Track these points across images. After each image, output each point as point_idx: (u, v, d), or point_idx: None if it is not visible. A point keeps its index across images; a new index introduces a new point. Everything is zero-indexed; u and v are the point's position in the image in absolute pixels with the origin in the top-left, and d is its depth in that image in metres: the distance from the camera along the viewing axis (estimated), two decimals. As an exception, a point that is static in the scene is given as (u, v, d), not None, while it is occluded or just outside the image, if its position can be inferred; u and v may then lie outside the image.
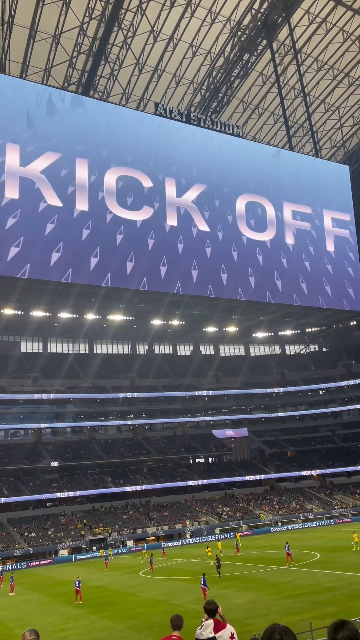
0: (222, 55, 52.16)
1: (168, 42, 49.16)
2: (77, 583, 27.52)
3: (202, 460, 78.37)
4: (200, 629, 7.11)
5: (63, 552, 53.96)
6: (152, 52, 49.49)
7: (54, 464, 65.09)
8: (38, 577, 41.32)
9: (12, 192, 40.00)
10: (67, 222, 42.32)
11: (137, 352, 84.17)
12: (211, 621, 7.07)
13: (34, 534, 56.41)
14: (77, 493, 63.71)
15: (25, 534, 56.15)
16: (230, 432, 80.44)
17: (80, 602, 26.54)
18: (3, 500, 58.82)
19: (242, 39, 50.48)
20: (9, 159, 40.23)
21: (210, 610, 7.12)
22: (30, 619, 23.88)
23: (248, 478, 72.44)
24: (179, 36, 48.82)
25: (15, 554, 52.22)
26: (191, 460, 77.27)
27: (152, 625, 19.99)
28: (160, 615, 21.52)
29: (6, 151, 40.21)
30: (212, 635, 6.90)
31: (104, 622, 21.73)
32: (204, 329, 77.01)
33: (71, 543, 55.29)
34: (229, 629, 7.03)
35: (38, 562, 50.91)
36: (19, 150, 40.77)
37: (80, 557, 52.79)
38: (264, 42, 51.74)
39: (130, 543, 57.00)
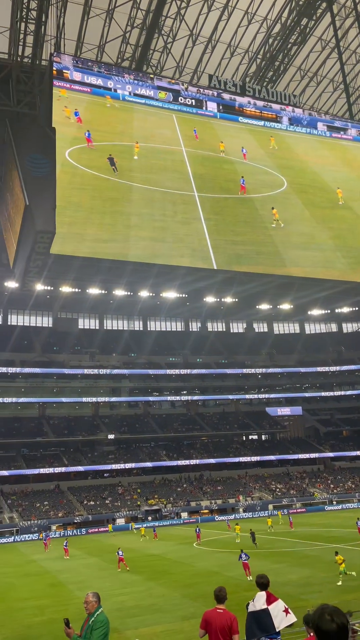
0: (279, 21, 50.12)
1: (222, 10, 47.76)
2: (119, 552, 28.65)
3: (256, 437, 78.54)
4: (253, 601, 7.26)
5: (120, 521, 56.15)
6: (206, 22, 48.29)
7: (111, 436, 67.38)
8: (97, 543, 43.29)
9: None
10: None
11: (190, 329, 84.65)
12: (264, 593, 7.20)
13: (93, 503, 58.97)
14: (133, 465, 65.84)
15: (85, 502, 58.79)
16: (284, 410, 79.89)
17: (127, 568, 27.46)
18: (64, 469, 61.78)
19: (300, 3, 48.21)
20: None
21: (262, 583, 7.26)
22: (89, 583, 25.15)
23: (302, 456, 72.02)
24: (234, 4, 47.28)
25: (76, 521, 54.92)
26: (244, 436, 77.61)
27: (206, 594, 20.53)
28: (214, 585, 21.92)
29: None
30: (264, 607, 7.04)
31: (159, 589, 22.56)
32: (257, 307, 76.06)
33: (128, 512, 57.42)
34: (281, 602, 7.15)
35: (97, 529, 53.24)
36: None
37: (137, 525, 54.66)
38: (323, 5, 49.19)
39: (184, 515, 58.42)
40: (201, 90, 49.05)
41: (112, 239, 40.16)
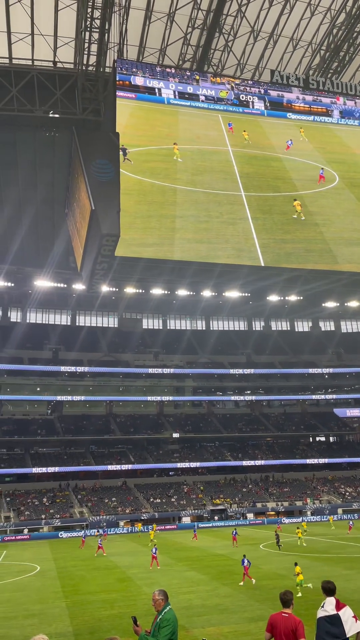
0: (344, 10, 48.45)
1: (284, 4, 46.86)
2: (153, 550, 29.64)
3: (323, 438, 76.45)
4: (323, 607, 7.11)
5: (186, 519, 56.58)
6: (267, 17, 47.57)
7: (175, 435, 68.06)
8: (163, 540, 43.87)
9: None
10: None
11: (253, 329, 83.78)
12: (333, 599, 7.05)
13: (159, 500, 59.83)
14: (198, 464, 66.16)
15: (151, 500, 59.77)
16: (353, 411, 77.17)
17: (158, 567, 28.00)
18: (130, 467, 63.16)
19: (366, -12, 46.32)
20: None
21: (330, 589, 7.10)
22: (157, 579, 25.54)
23: (372, 459, 69.30)
24: (296, -4, 46.21)
25: (142, 517, 55.95)
26: (311, 438, 75.79)
27: (273, 597, 20.27)
28: (282, 588, 21.67)
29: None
30: (335, 612, 6.89)
31: (225, 589, 22.52)
32: (323, 304, 73.99)
33: (193, 511, 57.75)
34: (349, 609, 6.98)
35: (163, 527, 53.96)
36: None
37: (202, 525, 54.92)
38: (391, -13, 46.95)
39: (250, 516, 57.94)
40: (247, 88, 48.51)
41: (157, 242, 40.47)
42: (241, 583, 23.21)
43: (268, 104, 48.54)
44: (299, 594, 19.92)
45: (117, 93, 41.64)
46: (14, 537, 50.00)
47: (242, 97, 47.82)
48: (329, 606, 6.98)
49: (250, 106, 48.01)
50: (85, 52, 41.48)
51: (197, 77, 47.20)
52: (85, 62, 42.59)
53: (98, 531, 49.09)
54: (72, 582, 26.36)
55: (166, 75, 45.85)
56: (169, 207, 41.87)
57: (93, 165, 39.12)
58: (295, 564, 22.34)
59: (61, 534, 51.06)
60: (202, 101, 46.32)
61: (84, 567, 31.26)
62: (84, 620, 18.53)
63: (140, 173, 42.05)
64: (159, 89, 45.02)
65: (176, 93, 45.61)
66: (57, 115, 44.41)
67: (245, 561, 23.76)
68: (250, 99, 48.10)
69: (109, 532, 51.70)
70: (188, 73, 47.15)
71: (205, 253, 42.17)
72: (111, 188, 38.71)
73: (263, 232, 42.51)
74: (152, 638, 6.10)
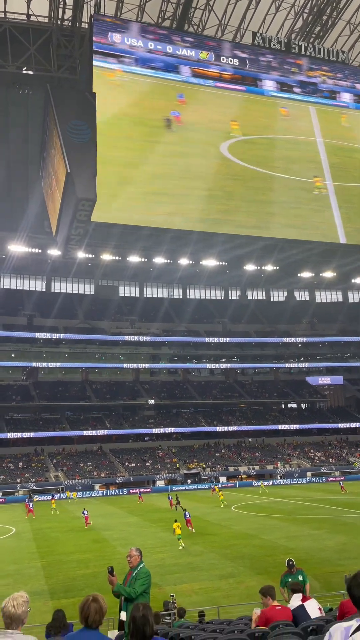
0: (328, -30, 47.15)
1: None
2: (84, 512, 32.98)
3: (295, 405, 78.42)
4: (289, 603, 7.44)
5: (160, 483, 57.89)
6: (250, -25, 46.00)
7: (151, 402, 68.88)
8: (137, 503, 44.89)
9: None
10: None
11: (230, 298, 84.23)
12: (299, 595, 7.40)
13: (134, 465, 60.92)
14: (172, 430, 67.33)
15: (126, 464, 60.81)
16: (324, 379, 79.19)
17: (193, 530, 27.95)
18: (106, 432, 63.92)
19: None
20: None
21: (297, 590, 7.48)
22: (131, 540, 26.25)
23: (342, 425, 71.61)
24: None
25: (117, 481, 57.02)
26: (283, 405, 77.65)
27: (244, 556, 21.14)
28: (251, 547, 22.65)
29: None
30: (300, 604, 7.20)
31: (197, 548, 23.34)
32: (299, 274, 74.71)
33: (167, 475, 59.09)
34: (314, 601, 7.34)
35: (137, 490, 55.08)
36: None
37: (176, 488, 56.29)
38: None
39: (222, 479, 59.60)
40: (337, 82, 50.95)
41: (256, 225, 45.61)
42: (193, 530, 27.34)
43: (355, 97, 52.11)
44: (180, 547, 23.16)
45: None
46: (26, 501, 50.15)
47: (331, 90, 51.14)
48: (295, 601, 7.31)
49: (338, 98, 51.54)
50: (61, 6, 39.61)
51: (294, 70, 49.64)
52: (60, 16, 40.72)
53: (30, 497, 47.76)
54: (47, 544, 26.89)
55: (268, 69, 48.69)
56: (266, 193, 46.21)
57: (69, 126, 37.94)
58: (175, 521, 25.63)
59: (36, 497, 51.70)
60: (297, 93, 49.82)
61: (59, 529, 31.87)
62: (58, 579, 19.02)
63: (248, 161, 45.87)
64: (260, 81, 48.40)
65: (277, 86, 49.17)
66: (30, 72, 42.63)
67: (187, 514, 28.27)
68: (337, 91, 51.61)
69: (84, 496, 52.80)
70: (286, 67, 49.54)
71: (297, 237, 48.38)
72: (87, 151, 37.73)
73: (347, 221, 47.52)
74: (129, 588, 6.31)
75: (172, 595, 13.40)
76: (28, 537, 29.26)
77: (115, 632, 8.50)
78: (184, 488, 56.68)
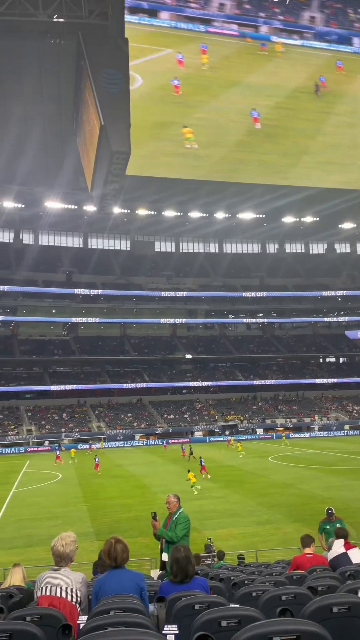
0: None
1: None
2: (96, 459, 35.54)
3: (333, 359, 77.79)
4: (332, 548, 7.54)
5: (198, 434, 59.43)
6: None
7: (188, 356, 69.79)
8: (176, 452, 46.36)
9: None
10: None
11: (267, 251, 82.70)
12: (342, 540, 7.50)
13: (173, 416, 62.57)
14: (209, 383, 68.33)
15: (165, 416, 62.51)
16: (364, 333, 77.76)
17: (209, 476, 29.80)
18: (145, 385, 65.53)
19: None
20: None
21: (342, 535, 7.53)
22: (170, 487, 27.25)
23: (381, 380, 70.82)
24: None
25: (157, 432, 58.88)
26: (321, 359, 77.13)
27: (281, 504, 21.73)
28: (288, 496, 23.22)
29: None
30: (343, 550, 7.32)
31: (235, 496, 24.10)
32: (339, 226, 72.25)
33: (205, 426, 60.52)
34: (357, 549, 7.40)
35: (176, 440, 56.83)
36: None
37: (214, 439, 57.80)
38: None
39: (259, 431, 60.60)
40: None
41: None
42: (209, 476, 29.44)
43: None
44: (196, 493, 24.89)
45: None
46: (36, 449, 53.19)
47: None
48: (338, 546, 7.42)
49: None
50: None
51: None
52: None
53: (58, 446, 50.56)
54: (91, 489, 28.32)
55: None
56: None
57: (101, 76, 36.98)
58: (188, 471, 27.48)
59: (80, 446, 54.19)
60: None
61: (102, 476, 33.41)
62: (103, 522, 20.14)
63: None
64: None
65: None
66: (61, 20, 41.33)
67: (202, 461, 31.06)
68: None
69: (125, 445, 55.00)
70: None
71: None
72: (121, 101, 36.85)
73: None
74: (170, 532, 6.63)
75: (209, 539, 14.03)
76: (74, 483, 30.87)
77: (157, 572, 9.04)
78: (221, 439, 58.01)
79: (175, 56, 42.84)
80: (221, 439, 58.14)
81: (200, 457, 32.43)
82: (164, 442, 52.79)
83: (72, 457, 44.17)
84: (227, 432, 60.03)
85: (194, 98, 42.24)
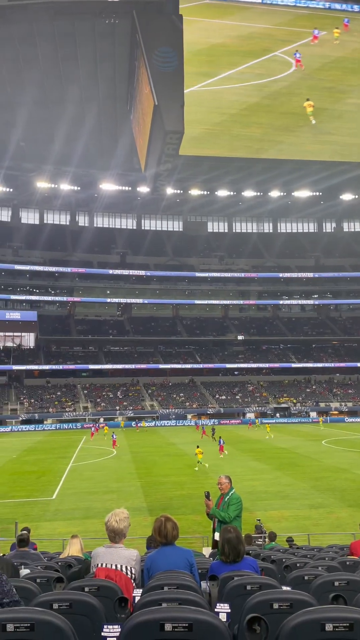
0: None
1: None
2: (113, 435, 37.06)
3: (392, 343, 74.95)
4: None
5: (250, 415, 59.36)
6: None
7: (240, 337, 69.45)
8: (228, 433, 46.59)
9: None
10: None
11: (324, 230, 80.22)
12: None
13: (224, 397, 62.76)
14: (262, 365, 67.82)
15: (217, 396, 62.79)
16: None
17: (225, 455, 31.76)
18: (197, 366, 65.97)
19: None
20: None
21: None
22: (223, 467, 27.54)
23: None
24: None
25: (209, 412, 59.32)
26: (379, 342, 74.54)
27: (334, 488, 21.45)
28: (342, 481, 22.87)
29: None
30: None
31: (288, 478, 24.00)
32: None
33: (257, 408, 60.32)
34: None
35: (228, 421, 57.10)
36: None
37: (266, 421, 57.43)
38: None
39: (313, 414, 59.73)
40: None
41: None
42: (225, 454, 31.60)
43: None
44: (196, 469, 26.69)
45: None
46: (92, 425, 54.93)
47: None
48: None
49: None
50: None
51: None
52: None
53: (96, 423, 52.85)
54: (145, 465, 29.04)
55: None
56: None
57: (155, 54, 36.71)
58: (197, 447, 29.20)
59: (133, 424, 55.49)
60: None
61: (156, 453, 34.15)
62: (156, 498, 20.65)
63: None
64: None
65: None
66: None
67: (221, 441, 32.80)
68: None
69: (177, 424, 55.77)
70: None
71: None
72: (175, 79, 36.50)
73: None
74: (223, 512, 6.72)
75: (259, 520, 14.10)
76: (128, 459, 31.75)
77: (209, 549, 9.22)
78: (273, 421, 57.67)
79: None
80: (273, 421, 57.81)
81: (220, 437, 34.41)
82: (196, 423, 53.43)
83: (105, 433, 45.46)
84: (278, 415, 59.60)
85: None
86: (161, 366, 66.10)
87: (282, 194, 63.88)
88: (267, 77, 40.81)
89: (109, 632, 2.16)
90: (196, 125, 38.88)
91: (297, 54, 40.16)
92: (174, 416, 57.80)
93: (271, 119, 40.94)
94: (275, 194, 63.54)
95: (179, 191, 62.33)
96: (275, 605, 2.60)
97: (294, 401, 61.98)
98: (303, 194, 63.39)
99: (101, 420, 55.08)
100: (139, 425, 52.93)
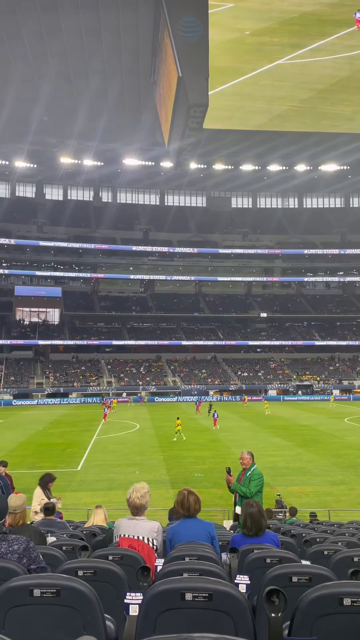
0: None
1: None
2: (215, 414, 35.59)
3: None
4: None
5: (272, 392, 59.40)
6: None
7: (263, 315, 69.03)
8: (249, 409, 46.83)
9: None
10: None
11: (351, 206, 78.28)
12: None
13: (246, 374, 62.84)
14: (285, 342, 67.46)
15: (239, 373, 62.91)
16: None
17: (216, 427, 33.06)
18: (219, 342, 66.04)
19: None
20: None
21: None
22: (244, 442, 27.76)
23: None
24: None
25: (230, 389, 59.56)
26: None
27: (356, 465, 21.46)
28: (364, 458, 22.84)
29: None
30: None
31: (309, 455, 24.08)
32: None
33: (279, 385, 60.29)
34: None
35: (250, 398, 57.16)
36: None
37: (288, 398, 57.53)
38: None
39: (336, 392, 59.39)
40: None
41: None
42: (216, 428, 32.74)
43: None
44: (175, 439, 28.34)
45: None
46: (115, 399, 55.78)
47: None
48: None
49: None
50: None
51: None
52: None
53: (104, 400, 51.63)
54: (167, 440, 29.47)
55: None
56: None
57: (180, 24, 35.78)
58: (178, 418, 30.45)
59: (157, 399, 56.20)
60: None
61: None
62: (178, 471, 20.99)
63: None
64: None
65: None
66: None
67: (216, 414, 34.25)
68: None
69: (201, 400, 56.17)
70: None
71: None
72: (199, 50, 35.61)
73: None
74: (244, 487, 6.82)
75: (279, 495, 14.23)
76: (150, 433, 32.26)
77: (230, 522, 9.38)
78: (295, 399, 57.66)
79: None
80: (295, 398, 57.77)
81: (215, 411, 35.88)
82: (197, 401, 49.98)
83: (114, 406, 46.48)
84: (300, 392, 59.46)
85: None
86: (184, 342, 66.36)
87: (308, 168, 62.36)
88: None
89: (132, 599, 2.24)
90: (280, 102, 37.58)
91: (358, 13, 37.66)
92: (195, 392, 58.23)
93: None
94: (301, 168, 62.08)
95: (202, 166, 61.44)
96: (295, 579, 2.65)
97: (317, 379, 61.69)
98: (330, 167, 61.76)
99: (110, 395, 55.32)
100: (142, 400, 54.14)
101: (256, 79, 37.54)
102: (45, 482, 8.26)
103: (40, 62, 44.33)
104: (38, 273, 67.60)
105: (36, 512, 7.80)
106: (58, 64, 43.79)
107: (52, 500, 7.74)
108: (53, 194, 72.68)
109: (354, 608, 2.02)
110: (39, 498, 8.17)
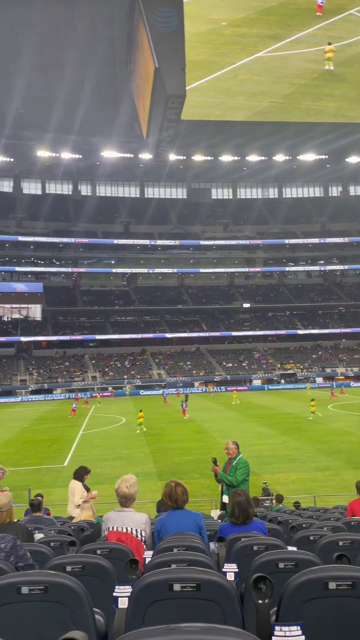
0: None
1: None
2: (74, 405, 38.64)
3: None
4: None
5: (257, 382, 59.88)
6: None
7: (246, 305, 69.38)
8: (221, 398, 47.08)
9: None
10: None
11: (330, 195, 78.91)
12: None
13: (231, 365, 63.19)
14: (268, 332, 67.95)
15: (223, 364, 63.23)
16: None
17: (186, 417, 34.23)
18: (203, 334, 66.20)
19: None
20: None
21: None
22: (230, 432, 27.95)
23: None
24: None
25: (215, 379, 59.86)
26: (386, 307, 74.26)
27: (340, 451, 21.81)
28: (348, 444, 23.21)
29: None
30: None
31: (294, 443, 24.38)
32: None
33: (264, 375, 60.78)
34: None
35: (235, 388, 57.51)
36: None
37: (272, 387, 58.05)
38: None
39: (319, 380, 60.17)
40: None
41: None
42: (186, 417, 33.91)
43: None
44: (138, 432, 29.23)
45: None
46: (100, 394, 55.67)
47: None
48: None
49: None
50: None
51: None
52: None
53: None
54: (153, 432, 29.55)
55: None
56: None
57: (155, 14, 35.41)
58: (140, 411, 31.25)
59: (142, 392, 56.18)
60: None
61: (163, 420, 34.69)
62: (165, 463, 21.08)
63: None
64: None
65: None
66: None
67: (184, 405, 35.64)
68: None
69: (186, 391, 56.39)
70: None
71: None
72: (175, 41, 35.30)
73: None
74: (230, 476, 6.88)
75: (264, 483, 14.40)
76: (136, 427, 32.27)
77: (218, 512, 9.47)
78: (280, 387, 58.21)
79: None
80: (280, 387, 58.32)
81: (183, 402, 37.51)
82: (163, 393, 50.35)
83: (98, 402, 46.98)
84: (282, 381, 60.05)
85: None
86: (168, 335, 66.39)
87: (287, 157, 62.60)
88: (343, 39, 38.49)
89: (120, 592, 2.25)
90: (261, 97, 37.20)
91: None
92: (181, 384, 58.39)
93: (346, 89, 38.74)
94: (280, 158, 62.28)
95: (182, 157, 61.22)
96: (281, 565, 2.69)
97: (300, 367, 62.35)
98: (309, 157, 62.08)
99: (79, 394, 53.78)
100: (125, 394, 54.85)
101: (235, 73, 37.10)
102: (81, 474, 8.32)
103: (14, 54, 43.53)
104: (18, 269, 66.79)
105: (78, 506, 7.82)
106: (33, 55, 43.03)
107: (92, 492, 8.08)
108: (31, 188, 71.74)
109: (339, 591, 2.06)
110: (80, 492, 8.18)
